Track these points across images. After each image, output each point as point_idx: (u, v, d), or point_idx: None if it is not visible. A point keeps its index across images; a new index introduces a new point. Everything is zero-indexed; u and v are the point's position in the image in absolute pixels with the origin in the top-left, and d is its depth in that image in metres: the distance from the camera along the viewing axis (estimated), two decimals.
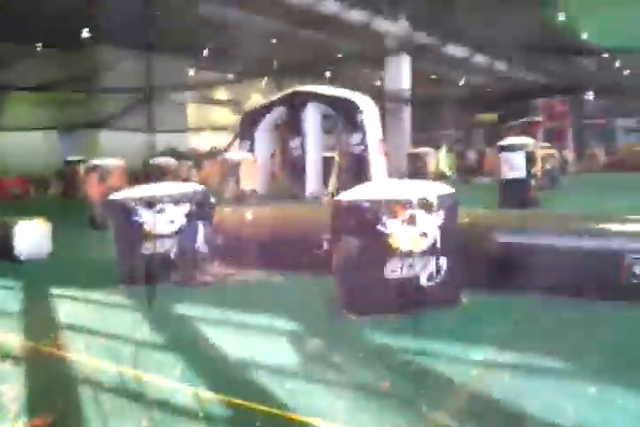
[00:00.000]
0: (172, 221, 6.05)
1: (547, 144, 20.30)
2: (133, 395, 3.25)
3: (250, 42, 23.06)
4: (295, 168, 15.13)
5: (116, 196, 6.13)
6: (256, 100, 31.97)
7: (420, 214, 4.43)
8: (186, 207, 6.13)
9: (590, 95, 31.16)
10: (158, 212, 5.98)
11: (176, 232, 6.06)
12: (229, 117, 30.59)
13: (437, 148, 20.77)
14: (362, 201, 4.43)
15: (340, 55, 25.90)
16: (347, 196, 4.62)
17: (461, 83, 30.83)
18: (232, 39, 22.60)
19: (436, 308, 4.50)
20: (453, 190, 4.70)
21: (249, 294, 5.47)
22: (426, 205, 4.46)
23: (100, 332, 4.51)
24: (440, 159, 18.08)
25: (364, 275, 4.45)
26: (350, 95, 14.68)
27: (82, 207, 11.15)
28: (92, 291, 5.84)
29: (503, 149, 11.19)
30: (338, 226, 4.61)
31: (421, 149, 17.75)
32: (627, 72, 31.42)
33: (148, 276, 5.97)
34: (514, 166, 11.03)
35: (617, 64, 30.51)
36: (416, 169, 17.19)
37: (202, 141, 30.06)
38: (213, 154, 22.06)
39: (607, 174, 19.39)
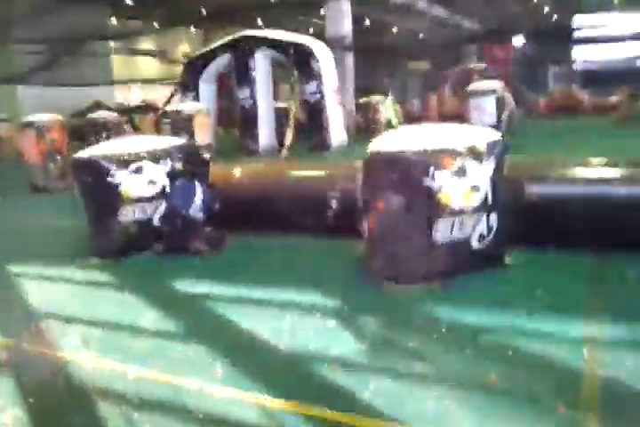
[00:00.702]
0: (153, 182, 5.17)
1: None
2: (165, 405, 2.55)
3: None
4: (246, 120, 14.12)
5: (82, 154, 5.15)
6: (184, 49, 30.07)
7: (471, 165, 3.81)
8: (167, 165, 5.25)
9: (521, 41, 31.23)
10: (135, 171, 5.08)
11: (157, 195, 5.19)
12: (157, 69, 28.64)
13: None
14: (405, 152, 3.74)
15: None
16: (382, 146, 3.92)
17: (396, 29, 30.04)
18: None
19: (481, 271, 3.96)
20: (501, 136, 4.10)
21: (257, 263, 4.75)
22: (475, 154, 3.84)
23: (90, 320, 3.71)
24: (387, 108, 17.42)
25: (408, 238, 3.82)
26: (304, 40, 13.68)
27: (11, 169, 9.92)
28: (62, 266, 4.96)
29: (472, 94, 10.68)
30: (374, 182, 3.92)
31: (372, 98, 17.03)
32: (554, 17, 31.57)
33: (126, 246, 5.13)
34: (484, 112, 10.57)
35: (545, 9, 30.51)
36: (368, 118, 16.51)
37: (129, 95, 28.09)
38: (148, 107, 20.51)
39: (546, 119, 19.38)
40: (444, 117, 20.31)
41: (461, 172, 3.78)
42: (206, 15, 27.80)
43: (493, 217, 3.95)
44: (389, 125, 17.74)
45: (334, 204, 5.11)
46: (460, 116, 19.77)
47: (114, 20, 26.54)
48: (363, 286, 3.94)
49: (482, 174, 3.85)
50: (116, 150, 5.10)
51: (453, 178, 3.75)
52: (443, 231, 3.78)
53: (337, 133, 13.58)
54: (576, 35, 32.55)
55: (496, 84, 10.63)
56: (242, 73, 13.93)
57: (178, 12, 25.77)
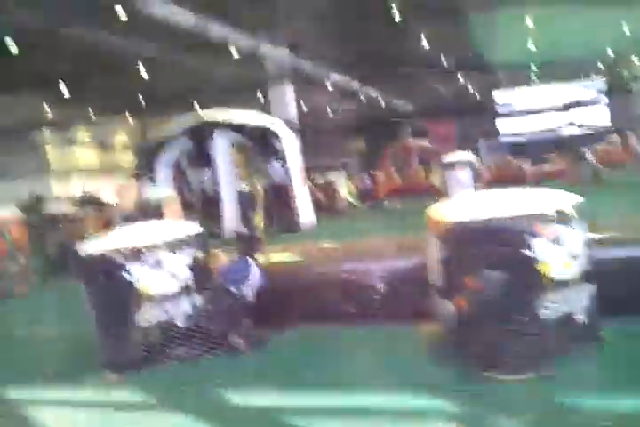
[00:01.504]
0: (174, 276, 4.50)
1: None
2: None
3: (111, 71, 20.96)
4: (207, 204, 13.58)
5: (87, 249, 4.46)
6: (122, 138, 29.59)
7: (564, 231, 3.44)
8: (189, 255, 4.61)
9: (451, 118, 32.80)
10: (154, 265, 4.42)
11: (179, 291, 4.51)
12: (96, 159, 27.95)
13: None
14: (501, 220, 3.34)
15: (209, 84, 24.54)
16: (462, 216, 3.50)
17: (337, 110, 30.94)
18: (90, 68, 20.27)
19: (582, 348, 3.50)
20: (580, 197, 3.77)
21: (313, 361, 4.07)
22: (565, 218, 3.48)
23: None
24: (343, 185, 17.41)
25: (512, 319, 3.33)
26: (265, 122, 13.57)
27: None
28: (71, 387, 4.11)
29: (447, 166, 10.66)
30: (462, 256, 3.46)
31: (330, 176, 16.95)
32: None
33: (146, 355, 4.36)
34: (461, 184, 10.53)
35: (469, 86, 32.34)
36: (328, 197, 16.32)
37: (67, 186, 27.00)
38: (93, 200, 19.49)
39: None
40: (405, 191, 20.45)
41: (558, 239, 3.39)
42: (144, 103, 27.63)
43: (593, 288, 3.54)
44: (349, 204, 17.63)
45: (382, 286, 4.60)
46: (425, 189, 19.97)
47: (47, 109, 25.76)
48: (462, 380, 3.37)
49: (576, 240, 3.48)
50: (126, 242, 4.44)
51: (552, 246, 3.36)
52: (547, 306, 3.33)
53: (305, 214, 13.23)
54: (499, 109, 34.66)
55: (471, 156, 10.68)
56: (201, 156, 13.56)
57: (114, 100, 25.46)
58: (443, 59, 25.08)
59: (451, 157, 11.03)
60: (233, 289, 4.49)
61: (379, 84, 30.33)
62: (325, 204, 15.77)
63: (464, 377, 3.39)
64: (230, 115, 13.96)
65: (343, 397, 3.34)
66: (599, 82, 33.08)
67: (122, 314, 4.34)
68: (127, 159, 27.52)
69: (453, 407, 3.05)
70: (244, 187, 14.16)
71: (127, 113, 28.88)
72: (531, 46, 23.97)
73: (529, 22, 22.07)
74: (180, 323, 4.48)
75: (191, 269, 4.57)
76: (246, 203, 13.72)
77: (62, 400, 3.91)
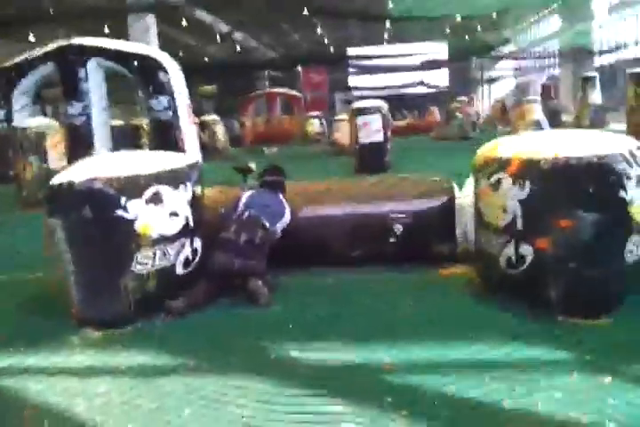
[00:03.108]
0: (175, 214, 3.74)
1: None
2: None
3: None
4: (76, 140, 11.95)
5: (69, 178, 3.51)
6: None
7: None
8: (188, 191, 3.86)
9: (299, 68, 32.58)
10: (154, 201, 3.62)
11: (180, 232, 3.76)
12: None
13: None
14: (605, 157, 3.14)
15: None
16: (555, 153, 3.25)
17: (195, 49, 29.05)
18: None
19: None
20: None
21: (349, 311, 3.62)
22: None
23: None
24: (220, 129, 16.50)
25: (604, 262, 3.20)
26: (148, 51, 12.13)
27: None
28: (51, 350, 3.25)
29: (359, 112, 10.44)
30: (550, 195, 3.23)
31: (209, 117, 15.86)
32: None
33: (141, 307, 3.61)
34: (370, 130, 10.39)
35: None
36: (206, 140, 15.32)
37: None
38: None
39: None
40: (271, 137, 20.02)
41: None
42: None
43: None
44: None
45: (399, 228, 4.26)
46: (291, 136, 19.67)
47: None
48: (534, 325, 3.19)
49: None
50: (118, 172, 3.56)
51: (637, 188, 3.26)
52: (631, 251, 3.25)
53: (192, 154, 12.24)
54: (352, 64, 35.12)
55: (382, 103, 10.53)
56: (70, 86, 11.82)
57: None
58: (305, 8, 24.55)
59: (362, 103, 10.76)
60: (267, 224, 3.90)
61: (243, 29, 29.05)
62: (208, 144, 14.81)
63: (536, 322, 3.21)
64: (104, 42, 12.28)
65: (407, 349, 2.97)
66: (444, 45, 34.89)
67: (114, 258, 3.52)
68: None
69: (531, 353, 2.85)
70: (121, 123, 12.71)
71: None
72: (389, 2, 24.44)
73: None
74: (180, 269, 3.77)
75: (191, 207, 3.85)
76: (119, 140, 12.38)
77: (37, 368, 3.05)
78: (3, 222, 5.74)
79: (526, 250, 3.35)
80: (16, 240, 5.01)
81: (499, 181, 3.47)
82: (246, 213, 4.00)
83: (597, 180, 3.14)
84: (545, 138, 3.62)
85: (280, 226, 4.04)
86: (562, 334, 3.05)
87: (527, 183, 3.30)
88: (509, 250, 3.44)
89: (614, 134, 3.73)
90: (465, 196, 4.25)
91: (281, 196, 4.25)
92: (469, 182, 4.41)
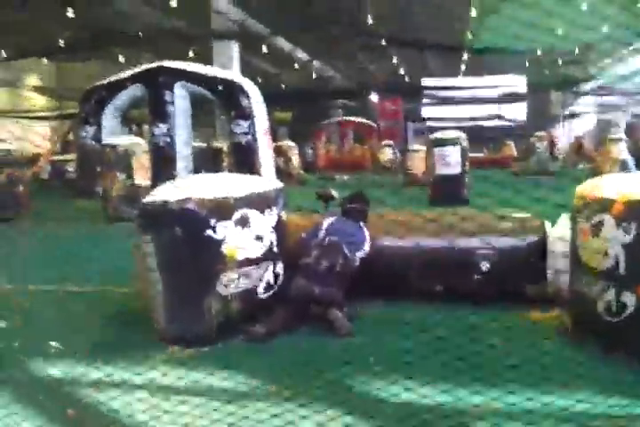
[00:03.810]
0: (260, 238, 3.75)
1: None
2: None
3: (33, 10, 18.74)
4: (160, 160, 12.37)
5: (162, 197, 3.59)
6: (32, 82, 26.79)
7: None
8: (274, 215, 3.88)
9: (375, 97, 32.70)
10: (241, 224, 3.64)
11: (264, 255, 3.77)
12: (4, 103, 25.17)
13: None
14: None
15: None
16: None
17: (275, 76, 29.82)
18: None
19: None
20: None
21: (434, 346, 3.48)
22: None
23: None
24: (295, 155, 16.74)
25: None
26: (232, 76, 12.51)
27: None
28: (133, 366, 3.28)
29: (438, 143, 10.33)
30: None
31: (284, 143, 16.17)
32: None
33: (223, 328, 3.61)
34: (448, 162, 10.25)
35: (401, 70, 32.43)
36: (281, 165, 15.55)
37: None
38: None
39: None
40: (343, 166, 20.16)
41: None
42: (62, 46, 25.15)
43: None
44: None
45: (486, 264, 4.11)
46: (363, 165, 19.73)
47: None
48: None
49: None
50: (209, 194, 3.61)
51: None
52: None
53: (269, 177, 12.43)
54: (427, 95, 35.03)
55: (460, 134, 10.40)
56: (157, 107, 12.29)
57: (30, 41, 22.93)
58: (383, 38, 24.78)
59: (440, 134, 10.66)
60: (347, 252, 3.86)
61: (320, 58, 29.67)
62: (283, 170, 15.02)
63: (634, 373, 2.98)
64: (191, 66, 12.76)
65: (496, 394, 2.80)
66: (522, 79, 34.30)
67: (201, 278, 3.55)
68: (40, 103, 24.99)
69: (630, 407, 2.62)
70: (202, 145, 13.10)
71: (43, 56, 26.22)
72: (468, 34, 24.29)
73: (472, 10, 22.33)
74: (262, 292, 3.77)
75: (275, 231, 3.85)
76: (199, 162, 12.71)
77: (118, 382, 3.08)
78: (90, 236, 5.97)
79: (628, 298, 3.15)
80: (103, 254, 5.19)
81: (601, 223, 3.30)
82: (327, 240, 3.97)
83: None
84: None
85: (359, 255, 3.98)
86: None
87: (633, 227, 3.11)
88: (609, 296, 3.24)
89: None
90: (558, 235, 4.07)
91: (362, 224, 4.19)
92: (562, 221, 4.23)
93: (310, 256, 3.91)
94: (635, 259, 3.13)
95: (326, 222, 4.13)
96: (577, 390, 2.81)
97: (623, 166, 11.89)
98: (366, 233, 4.11)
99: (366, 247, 4.03)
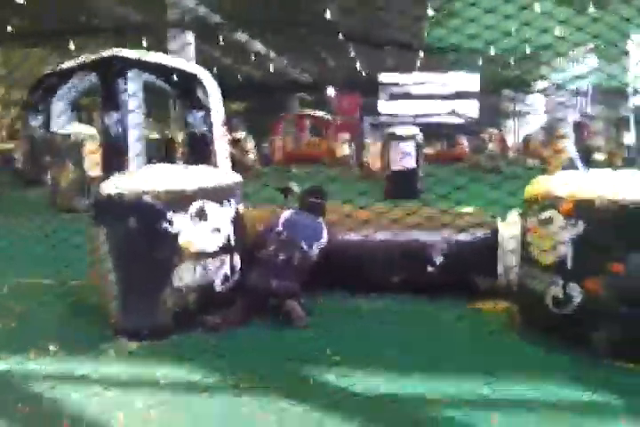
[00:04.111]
0: (217, 231, 3.74)
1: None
2: None
3: None
4: (111, 150, 12.10)
5: (118, 190, 3.52)
6: None
7: None
8: (232, 208, 3.87)
9: (332, 91, 32.79)
10: (198, 216, 3.62)
11: (221, 248, 3.76)
12: None
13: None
14: None
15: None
16: (608, 194, 3.20)
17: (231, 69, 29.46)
18: None
19: None
20: None
21: (396, 336, 3.55)
22: None
23: None
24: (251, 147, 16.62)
25: None
26: (187, 65, 12.29)
27: None
28: (86, 358, 3.23)
29: (394, 138, 10.45)
30: (602, 238, 3.17)
31: (241, 134, 16.03)
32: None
33: (177, 321, 3.59)
34: (404, 157, 10.39)
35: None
36: (237, 157, 15.42)
37: None
38: None
39: None
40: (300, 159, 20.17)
41: None
42: (10, 33, 24.20)
43: None
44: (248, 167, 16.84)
45: (439, 258, 4.21)
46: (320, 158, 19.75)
47: None
48: (588, 366, 3.10)
49: None
50: (165, 186, 3.57)
51: None
52: None
53: (225, 169, 12.32)
54: (384, 90, 35.26)
55: (415, 130, 10.55)
56: (109, 96, 12.00)
57: None
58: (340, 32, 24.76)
59: (396, 129, 10.78)
60: (305, 246, 3.87)
61: (278, 50, 29.43)
62: (239, 162, 14.88)
63: (581, 363, 3.12)
64: (146, 54, 12.51)
65: (449, 383, 2.90)
66: (476, 77, 34.93)
67: (156, 271, 3.52)
68: None
69: (577, 396, 2.76)
70: (155, 135, 12.88)
71: None
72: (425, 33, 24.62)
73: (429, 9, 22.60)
74: (219, 285, 3.76)
75: (233, 224, 3.84)
76: (153, 153, 12.51)
77: (76, 376, 3.03)
78: (40, 226, 5.82)
79: (575, 290, 3.28)
80: (54, 244, 5.06)
81: (549, 220, 3.42)
82: (284, 234, 3.98)
83: None
84: (597, 177, 3.55)
85: (317, 249, 4.00)
86: (608, 377, 2.96)
87: (580, 223, 3.24)
88: (557, 289, 3.37)
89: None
90: (508, 230, 4.19)
91: (320, 218, 4.22)
92: (512, 216, 4.36)
93: (267, 250, 3.92)
94: (581, 254, 3.26)
95: (283, 216, 4.14)
96: (526, 380, 2.92)
97: (571, 164, 12.27)
98: (323, 227, 4.13)
99: (323, 241, 4.05)
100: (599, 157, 17.89)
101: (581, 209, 3.24)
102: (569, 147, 14.02)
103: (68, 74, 12.27)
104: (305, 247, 3.91)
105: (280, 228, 4.02)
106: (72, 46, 24.82)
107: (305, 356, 3.22)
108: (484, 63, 31.77)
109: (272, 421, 2.52)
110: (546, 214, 3.44)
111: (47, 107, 12.26)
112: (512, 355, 3.29)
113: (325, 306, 4.05)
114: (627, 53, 25.31)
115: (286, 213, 4.18)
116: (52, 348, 3.36)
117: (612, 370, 3.04)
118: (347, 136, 20.79)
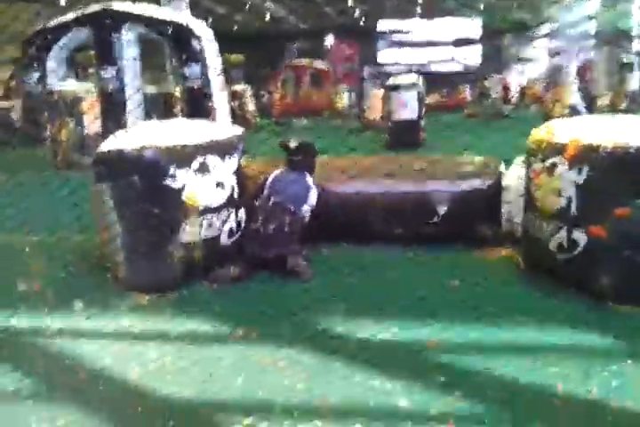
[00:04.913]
0: (221, 185, 3.73)
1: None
2: None
3: None
4: (109, 106, 11.94)
5: (119, 145, 3.50)
6: None
7: None
8: (234, 161, 3.85)
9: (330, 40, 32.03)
10: (200, 170, 3.61)
11: (226, 202, 3.77)
12: None
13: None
14: None
15: None
16: (613, 141, 3.17)
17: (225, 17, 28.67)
18: None
19: None
20: None
21: (396, 288, 3.60)
22: None
23: None
24: (250, 99, 16.39)
25: None
26: (181, 18, 11.98)
27: None
28: (99, 314, 3.30)
29: (394, 88, 10.28)
30: (606, 184, 3.16)
31: (240, 87, 15.77)
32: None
33: (185, 275, 3.64)
34: (405, 106, 10.25)
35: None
36: (235, 109, 15.23)
37: None
38: None
39: None
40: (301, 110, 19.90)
41: None
42: None
43: None
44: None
45: (443, 207, 4.22)
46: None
47: None
48: (593, 311, 3.15)
49: None
50: (167, 141, 3.55)
51: None
52: None
53: (224, 122, 12.20)
54: (383, 38, 34.47)
55: (417, 79, 10.36)
56: (104, 51, 11.75)
57: None
58: None
59: (396, 79, 10.59)
60: (292, 208, 3.86)
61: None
62: (238, 114, 14.73)
63: (586, 307, 3.17)
64: (139, 7, 12.15)
65: (452, 329, 2.96)
66: (477, 22, 34.03)
67: (161, 226, 3.53)
68: None
69: (583, 339, 2.82)
70: (153, 89, 12.66)
71: None
72: None
73: None
74: (225, 239, 3.79)
75: (236, 177, 3.84)
76: (150, 107, 12.34)
77: (89, 331, 3.10)
78: (41, 184, 5.82)
79: (579, 236, 3.30)
80: (57, 201, 5.08)
81: (554, 165, 3.40)
82: (271, 200, 3.92)
83: None
84: (601, 123, 3.52)
85: (306, 209, 3.96)
86: (614, 320, 3.02)
87: (585, 169, 3.23)
88: (561, 235, 3.39)
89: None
90: (512, 177, 4.18)
91: (307, 176, 4.10)
92: (516, 164, 4.34)
93: (257, 221, 3.88)
94: (585, 199, 3.26)
95: (270, 178, 4.06)
96: (531, 324, 2.97)
97: (573, 110, 12.12)
98: (312, 185, 4.04)
99: (312, 200, 3.99)
100: (602, 101, 17.61)
101: (585, 155, 3.22)
102: (573, 92, 13.81)
103: (62, 29, 12.00)
104: (294, 210, 3.88)
105: (266, 192, 3.96)
106: (63, 1, 24.21)
107: (311, 305, 3.27)
108: (485, 7, 30.86)
109: (281, 367, 2.59)
110: (550, 161, 3.42)
111: (42, 64, 12.04)
112: (516, 301, 3.34)
113: (329, 257, 4.09)
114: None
115: (274, 174, 4.09)
116: (64, 303, 3.42)
117: (615, 313, 3.09)
118: (346, 86, 20.40)
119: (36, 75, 11.93)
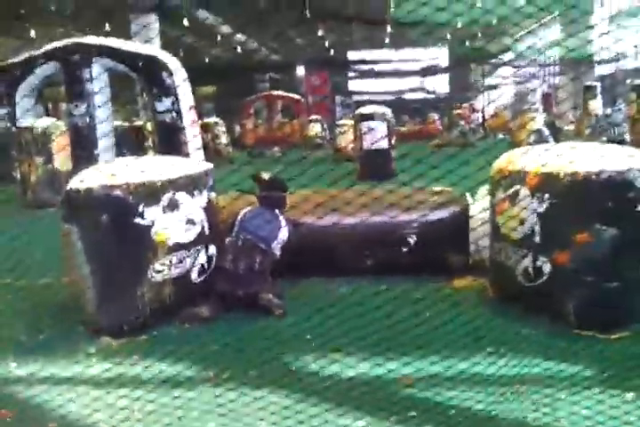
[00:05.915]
0: (192, 222, 3.74)
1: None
2: None
3: None
4: (80, 142, 11.90)
5: (87, 184, 3.49)
6: None
7: None
8: (203, 197, 3.86)
9: (301, 71, 32.55)
10: (170, 207, 3.61)
11: (196, 239, 3.76)
12: None
13: None
14: (611, 173, 3.17)
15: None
16: (573, 168, 3.27)
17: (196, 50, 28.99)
18: None
19: None
20: None
21: (373, 322, 3.59)
22: None
23: None
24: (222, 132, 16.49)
25: (618, 276, 3.23)
26: (153, 52, 12.07)
27: None
28: (67, 357, 3.24)
29: (364, 118, 10.45)
30: (568, 211, 3.25)
31: (212, 119, 15.86)
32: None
33: (155, 315, 3.61)
34: (375, 136, 10.41)
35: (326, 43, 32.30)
36: (208, 142, 15.28)
37: None
38: None
39: None
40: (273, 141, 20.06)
41: None
42: None
43: None
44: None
45: (413, 237, 4.27)
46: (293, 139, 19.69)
47: None
48: (559, 338, 3.20)
49: None
50: (134, 178, 3.55)
51: None
52: None
53: (195, 157, 12.22)
54: (353, 68, 35.13)
55: (386, 109, 10.55)
56: (74, 86, 11.75)
57: None
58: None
59: (366, 108, 10.77)
60: (263, 246, 3.86)
61: (244, 31, 29.00)
62: (211, 147, 14.77)
63: (552, 335, 3.22)
64: (109, 41, 12.23)
65: (424, 363, 2.96)
66: (444, 51, 34.99)
67: (131, 266, 3.51)
68: None
69: (550, 367, 2.85)
70: (123, 124, 12.68)
71: None
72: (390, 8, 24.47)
73: None
74: (195, 277, 3.77)
75: (206, 213, 3.85)
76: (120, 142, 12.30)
77: (57, 378, 3.03)
78: (9, 223, 5.70)
79: (544, 263, 3.37)
80: (25, 243, 4.99)
81: (516, 194, 3.49)
82: (241, 238, 3.91)
83: (616, 194, 3.16)
84: (561, 151, 3.61)
85: (276, 245, 3.96)
86: (579, 347, 3.06)
87: (546, 197, 3.32)
88: (527, 263, 3.46)
89: (630, 148, 3.76)
90: (478, 207, 4.26)
91: (277, 212, 4.09)
92: (482, 193, 4.43)
93: (227, 259, 3.87)
94: (548, 227, 3.34)
95: (240, 216, 4.04)
96: (500, 354, 3.00)
97: (539, 136, 12.41)
98: (282, 221, 4.05)
99: (282, 236, 3.99)
100: (567, 127, 18.11)
101: (547, 183, 3.31)
102: (537, 119, 14.17)
103: (31, 64, 11.97)
104: (264, 247, 3.88)
105: (236, 230, 3.95)
106: (33, 34, 24.17)
107: (282, 343, 3.26)
108: (451, 37, 31.70)
109: (253, 409, 2.56)
110: (513, 189, 3.51)
111: (11, 99, 11.97)
112: (485, 331, 3.36)
113: (301, 292, 4.09)
114: (591, 22, 25.46)
115: (243, 212, 4.08)
116: (31, 348, 3.36)
117: (581, 340, 3.14)
118: (318, 117, 20.66)
119: (5, 111, 11.88)
